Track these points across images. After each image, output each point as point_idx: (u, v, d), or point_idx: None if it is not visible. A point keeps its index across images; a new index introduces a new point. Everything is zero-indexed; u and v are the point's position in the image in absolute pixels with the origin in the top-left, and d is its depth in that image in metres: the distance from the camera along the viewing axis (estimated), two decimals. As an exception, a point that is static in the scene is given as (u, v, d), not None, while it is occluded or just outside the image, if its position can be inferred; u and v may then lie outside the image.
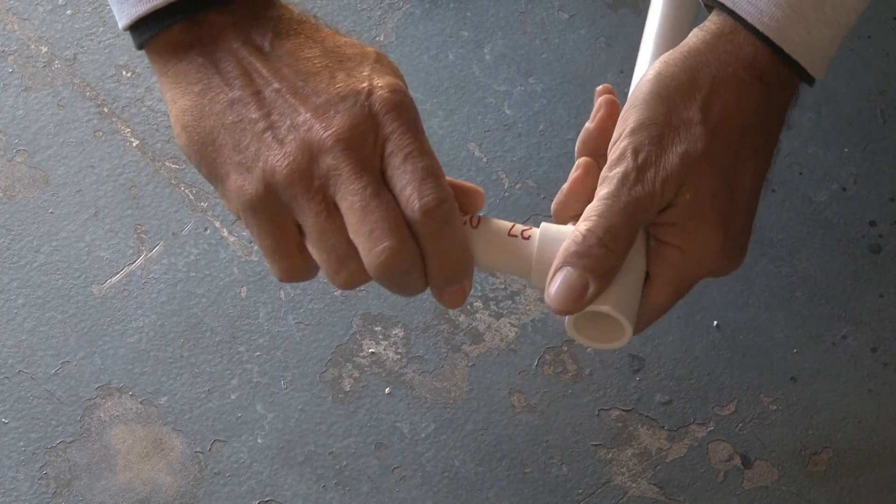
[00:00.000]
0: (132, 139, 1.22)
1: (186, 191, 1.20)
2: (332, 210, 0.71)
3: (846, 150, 1.20)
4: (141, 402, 1.13)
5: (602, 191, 0.75)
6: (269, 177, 0.70)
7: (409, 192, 0.70)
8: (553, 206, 0.80)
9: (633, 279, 0.76)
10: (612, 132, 0.77)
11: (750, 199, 0.77)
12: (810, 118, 1.22)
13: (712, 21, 0.76)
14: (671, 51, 0.77)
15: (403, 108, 0.71)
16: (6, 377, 1.13)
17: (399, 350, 1.14)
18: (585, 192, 0.78)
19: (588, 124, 0.80)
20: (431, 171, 0.71)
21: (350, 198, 0.70)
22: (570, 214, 0.79)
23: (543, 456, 1.11)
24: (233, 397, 1.13)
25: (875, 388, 1.12)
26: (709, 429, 1.11)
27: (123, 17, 0.72)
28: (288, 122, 0.71)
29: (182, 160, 1.21)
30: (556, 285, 0.75)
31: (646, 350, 1.14)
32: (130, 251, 1.18)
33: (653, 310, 0.78)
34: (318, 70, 0.72)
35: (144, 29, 0.73)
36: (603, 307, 0.75)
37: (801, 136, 1.21)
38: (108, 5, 1.27)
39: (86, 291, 1.16)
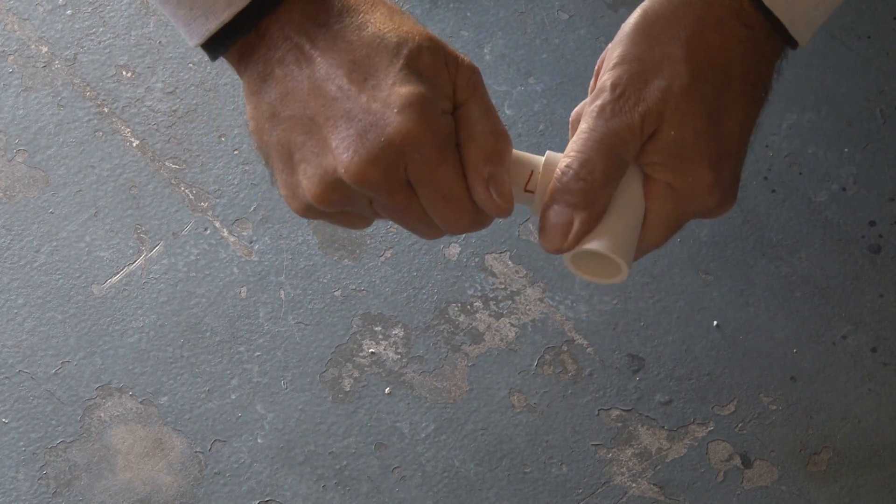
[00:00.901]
0: (132, 139, 1.22)
1: (186, 191, 1.20)
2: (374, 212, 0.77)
3: (846, 150, 1.20)
4: (141, 402, 1.13)
5: (581, 125, 0.75)
6: (309, 201, 0.75)
7: (435, 219, 0.74)
8: (572, 116, 0.80)
9: (628, 216, 0.76)
10: None
11: (738, 142, 0.77)
12: (810, 118, 1.22)
13: None
14: None
15: (413, 135, 0.72)
16: (6, 377, 1.13)
17: (399, 350, 1.14)
18: None
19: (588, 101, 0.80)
20: (444, 204, 0.74)
21: (388, 214, 0.75)
22: None
23: (543, 456, 1.11)
24: (233, 397, 1.13)
25: (875, 388, 1.12)
26: (709, 429, 1.11)
27: (194, 36, 0.74)
28: (317, 152, 0.74)
29: (182, 160, 1.21)
30: (543, 226, 0.76)
31: (646, 350, 1.14)
32: (130, 251, 1.18)
33: (647, 245, 0.79)
34: (343, 94, 0.73)
35: (217, 44, 0.75)
36: (596, 247, 0.75)
37: (801, 136, 1.21)
38: (108, 5, 1.27)
39: (86, 291, 1.16)
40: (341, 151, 0.72)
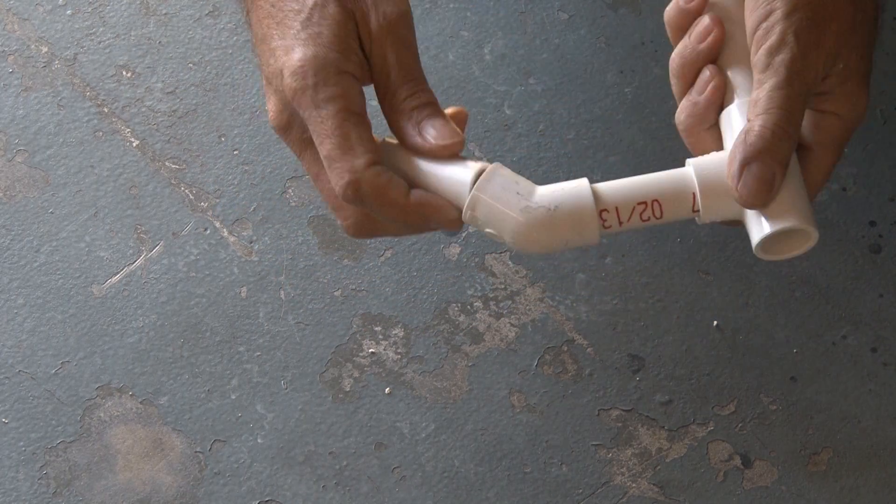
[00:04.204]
0: (132, 139, 1.22)
1: (186, 191, 1.20)
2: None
3: (846, 150, 1.20)
4: (141, 402, 1.13)
5: (770, 80, 0.75)
6: None
7: (329, 175, 0.76)
8: (686, 119, 0.80)
9: (797, 179, 0.78)
10: (720, 105, 0.78)
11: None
12: (810, 118, 1.22)
13: None
14: None
15: (302, 90, 0.74)
16: (6, 377, 1.13)
17: (399, 350, 1.14)
18: (718, 104, 0.79)
19: (697, 97, 0.79)
20: (332, 157, 0.74)
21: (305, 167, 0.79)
22: (706, 127, 0.79)
23: (543, 456, 1.11)
24: (233, 397, 1.13)
25: (875, 388, 1.12)
26: (709, 429, 1.11)
27: None
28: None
29: (182, 160, 1.21)
30: (747, 181, 0.76)
31: (646, 350, 1.14)
32: (130, 251, 1.18)
33: (822, 179, 0.80)
34: (265, 36, 0.76)
35: None
36: (793, 223, 0.76)
37: (801, 136, 1.21)
38: (108, 5, 1.27)
39: (86, 291, 1.16)
40: (293, 44, 0.75)
